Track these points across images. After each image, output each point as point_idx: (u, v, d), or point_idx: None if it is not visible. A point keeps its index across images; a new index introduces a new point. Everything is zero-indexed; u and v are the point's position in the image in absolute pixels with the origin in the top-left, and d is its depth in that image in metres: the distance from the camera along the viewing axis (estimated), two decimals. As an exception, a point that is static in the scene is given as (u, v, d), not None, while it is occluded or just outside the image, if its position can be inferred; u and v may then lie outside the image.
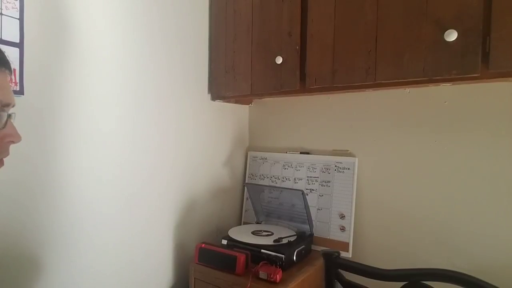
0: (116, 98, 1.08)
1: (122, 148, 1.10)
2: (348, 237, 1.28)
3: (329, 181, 1.35)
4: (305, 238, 1.27)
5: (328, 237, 1.32)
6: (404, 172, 1.22)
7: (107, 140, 1.06)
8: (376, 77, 1.00)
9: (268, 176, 1.51)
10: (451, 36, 0.86)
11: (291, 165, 1.45)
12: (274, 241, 1.20)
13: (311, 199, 1.37)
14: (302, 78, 1.15)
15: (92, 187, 1.02)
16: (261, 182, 1.53)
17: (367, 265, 0.78)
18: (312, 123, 1.44)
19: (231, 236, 1.26)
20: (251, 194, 1.44)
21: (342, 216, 1.30)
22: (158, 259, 1.23)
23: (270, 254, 1.15)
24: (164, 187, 1.24)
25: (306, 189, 1.40)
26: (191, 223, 1.35)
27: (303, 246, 1.23)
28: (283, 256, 1.13)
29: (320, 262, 1.23)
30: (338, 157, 1.34)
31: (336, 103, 1.37)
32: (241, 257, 1.11)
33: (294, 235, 1.27)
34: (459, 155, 1.12)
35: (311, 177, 1.39)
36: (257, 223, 1.46)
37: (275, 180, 1.49)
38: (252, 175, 1.56)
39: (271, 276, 1.04)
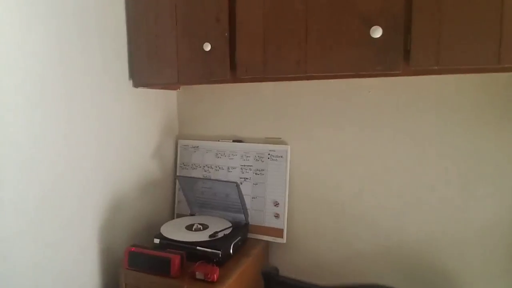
0: (18, 89, 0.90)
1: (27, 145, 0.94)
2: (282, 223, 1.31)
3: (263, 170, 1.34)
4: (240, 229, 1.26)
5: (263, 225, 1.34)
6: (333, 159, 1.26)
7: (5, 137, 0.89)
8: (307, 69, 0.98)
9: (200, 165, 1.45)
10: (377, 32, 0.87)
11: (224, 153, 1.41)
12: (210, 236, 1.17)
13: (246, 188, 1.36)
14: (233, 67, 1.08)
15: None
16: (193, 172, 1.46)
17: (305, 282, 0.79)
18: (244, 110, 1.39)
19: (163, 234, 1.20)
20: (184, 186, 1.38)
21: (276, 204, 1.32)
22: (82, 267, 1.12)
23: (206, 251, 1.12)
24: (84, 186, 1.11)
25: (240, 177, 1.37)
26: (120, 223, 1.25)
27: (239, 238, 1.22)
28: (220, 252, 1.10)
29: (256, 251, 1.24)
30: (271, 145, 1.33)
31: (269, 90, 1.34)
32: (176, 259, 1.06)
33: (230, 226, 1.25)
34: (382, 143, 1.18)
35: (244, 165, 1.37)
36: (191, 215, 1.41)
37: (208, 170, 1.44)
38: (184, 165, 1.49)
39: (208, 276, 1.02)
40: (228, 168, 1.40)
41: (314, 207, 1.30)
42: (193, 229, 1.24)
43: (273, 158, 1.32)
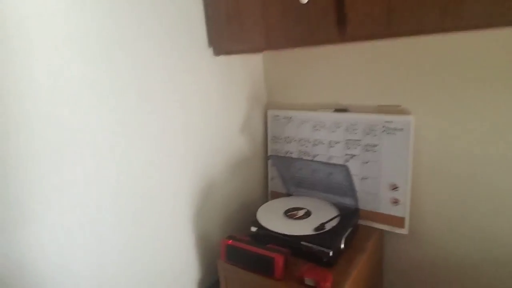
0: (87, 83, 0.78)
1: (110, 141, 0.84)
2: (403, 211, 1.07)
3: (375, 145, 1.08)
4: (350, 217, 1.06)
5: (377, 211, 1.11)
6: (478, 132, 0.93)
7: (87, 137, 0.80)
8: (458, 19, 0.65)
9: (295, 138, 1.25)
10: None
11: (324, 125, 1.17)
12: (315, 229, 1.00)
13: (353, 167, 1.13)
14: (341, 22, 0.80)
15: (85, 193, 0.80)
16: (287, 146, 1.27)
17: None
18: (349, 70, 1.11)
19: (260, 222, 1.06)
20: (278, 165, 1.21)
21: (395, 187, 1.07)
22: (179, 257, 1.07)
23: (312, 248, 0.96)
24: (173, 173, 1.01)
25: (346, 154, 1.14)
26: (213, 208, 1.16)
27: (350, 229, 1.03)
28: (330, 251, 0.93)
29: (370, 244, 1.04)
30: (387, 115, 1.05)
31: (383, 44, 1.02)
32: (279, 260, 0.92)
33: (337, 215, 1.06)
34: None
35: (351, 140, 1.12)
36: (288, 195, 1.25)
37: (305, 144, 1.23)
38: (276, 138, 1.30)
39: (320, 284, 0.86)
40: (330, 142, 1.17)
41: (449, 194, 1.02)
42: (294, 217, 1.08)
43: (389, 131, 1.05)
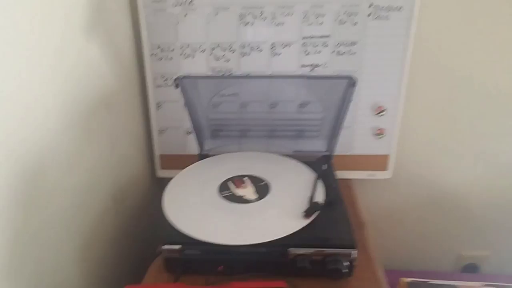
0: None
1: None
2: (388, 145, 0.70)
3: (354, 43, 0.62)
4: (327, 172, 0.61)
5: (352, 153, 0.71)
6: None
7: None
8: None
9: (203, 46, 0.64)
10: None
11: (262, 13, 0.61)
12: (306, 212, 0.50)
13: (311, 83, 0.65)
14: None
15: None
16: (186, 64, 0.65)
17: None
18: None
19: (180, 227, 0.48)
20: (190, 99, 0.59)
21: (380, 111, 0.67)
22: None
23: (323, 255, 0.47)
24: None
25: (303, 65, 0.64)
26: (47, 233, 0.46)
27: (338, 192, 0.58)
28: (354, 251, 0.47)
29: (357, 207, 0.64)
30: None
31: None
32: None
33: (317, 176, 0.59)
34: None
35: (312, 36, 0.62)
36: (201, 155, 0.67)
37: (223, 53, 0.64)
38: (160, 48, 0.65)
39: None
40: (273, 45, 0.63)
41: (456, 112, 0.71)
42: (243, 198, 0.54)
43: (381, 14, 0.60)
